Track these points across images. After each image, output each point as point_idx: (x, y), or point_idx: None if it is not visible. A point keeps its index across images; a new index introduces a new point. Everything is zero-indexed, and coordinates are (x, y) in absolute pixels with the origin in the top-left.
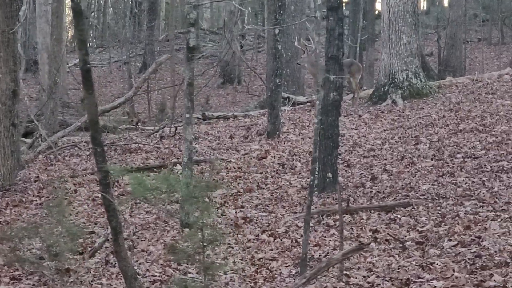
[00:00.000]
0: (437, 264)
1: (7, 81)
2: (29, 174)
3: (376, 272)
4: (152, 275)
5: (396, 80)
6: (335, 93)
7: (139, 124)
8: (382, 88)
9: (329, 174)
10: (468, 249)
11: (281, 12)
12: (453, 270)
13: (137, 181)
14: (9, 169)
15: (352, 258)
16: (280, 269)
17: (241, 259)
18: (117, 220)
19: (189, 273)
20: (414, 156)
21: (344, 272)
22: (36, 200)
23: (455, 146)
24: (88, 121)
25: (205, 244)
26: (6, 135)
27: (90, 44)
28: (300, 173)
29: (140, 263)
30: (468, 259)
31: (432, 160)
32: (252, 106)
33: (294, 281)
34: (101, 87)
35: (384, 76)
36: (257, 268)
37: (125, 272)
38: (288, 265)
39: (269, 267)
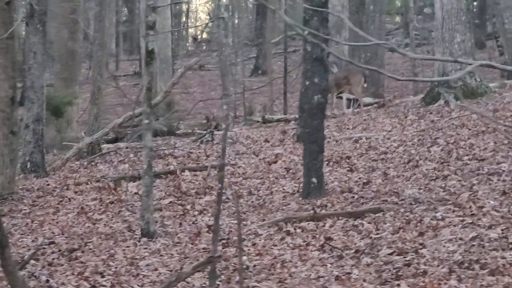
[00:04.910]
0: (354, 274)
1: (6, 88)
2: (47, 182)
3: (286, 284)
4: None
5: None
6: (320, 96)
7: (217, 128)
8: (436, 89)
9: (314, 179)
10: (404, 257)
11: None
12: (364, 280)
13: None
14: (8, 177)
15: (278, 268)
16: (193, 282)
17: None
18: (2, 233)
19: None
20: (421, 159)
21: (254, 284)
22: (25, 209)
23: (467, 148)
24: None
25: None
26: (5, 143)
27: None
28: (299, 178)
29: (67, 275)
30: (393, 268)
31: (437, 163)
32: None
33: None
34: (210, 91)
35: (438, 76)
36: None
37: (13, 286)
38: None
39: (186, 280)
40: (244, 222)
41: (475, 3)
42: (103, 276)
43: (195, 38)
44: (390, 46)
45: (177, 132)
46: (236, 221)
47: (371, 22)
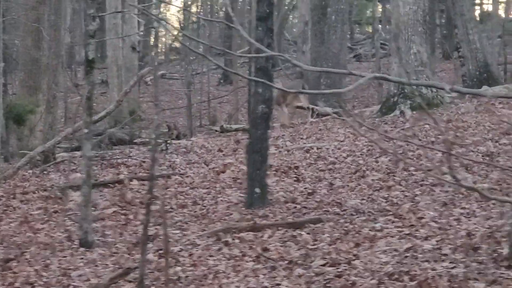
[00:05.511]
0: (283, 285)
1: None
2: None
3: None
4: None
5: (406, 91)
6: (264, 106)
7: (178, 137)
8: (392, 99)
9: (257, 190)
10: (336, 268)
11: None
12: None
13: None
14: None
15: (210, 279)
16: None
17: None
18: None
19: None
20: (368, 170)
21: None
22: None
23: (415, 158)
24: None
25: None
26: None
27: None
28: (246, 188)
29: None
30: (324, 279)
31: (383, 173)
32: None
33: None
34: (178, 100)
35: (394, 86)
36: None
37: None
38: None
39: None
40: (185, 232)
41: (443, 15)
42: (33, 287)
43: (133, 48)
44: (285, 58)
45: (136, 141)
46: (177, 231)
47: (332, 33)
